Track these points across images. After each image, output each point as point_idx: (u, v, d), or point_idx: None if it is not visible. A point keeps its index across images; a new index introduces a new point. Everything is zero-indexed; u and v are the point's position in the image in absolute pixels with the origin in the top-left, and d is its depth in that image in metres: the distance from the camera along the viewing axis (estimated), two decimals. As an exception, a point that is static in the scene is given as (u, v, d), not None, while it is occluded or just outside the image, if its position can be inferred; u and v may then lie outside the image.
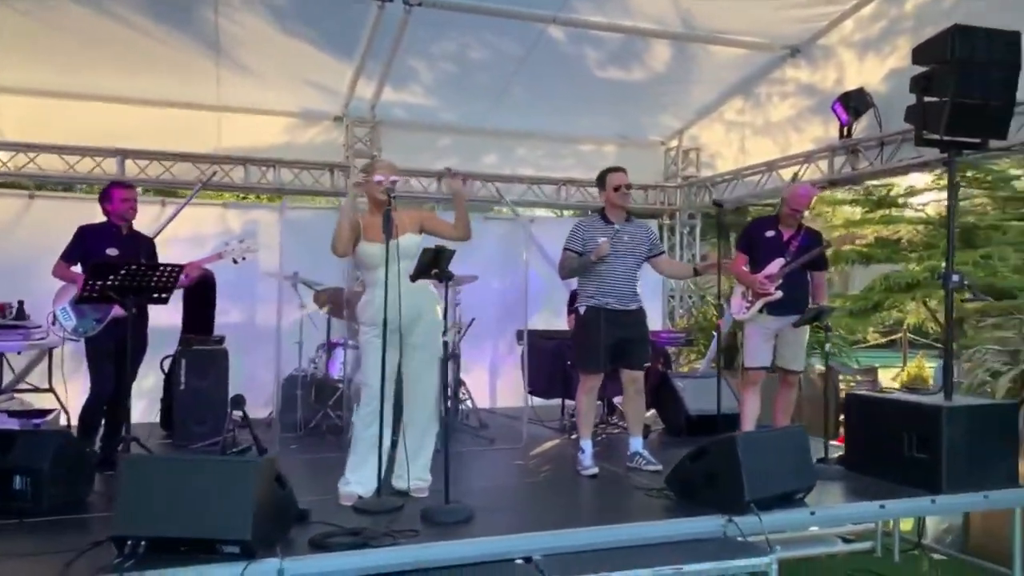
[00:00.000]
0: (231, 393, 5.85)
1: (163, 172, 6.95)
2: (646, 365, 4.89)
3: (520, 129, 8.14)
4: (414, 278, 3.86)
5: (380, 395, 3.90)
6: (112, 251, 4.60)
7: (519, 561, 3.33)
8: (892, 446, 4.44)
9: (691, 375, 6.43)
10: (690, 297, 8.72)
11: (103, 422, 4.71)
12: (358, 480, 3.99)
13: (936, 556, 5.21)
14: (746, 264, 5.23)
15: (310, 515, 3.60)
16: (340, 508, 3.87)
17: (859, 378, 7.89)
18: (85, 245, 4.61)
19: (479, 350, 7.72)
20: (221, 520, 3.04)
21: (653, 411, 6.41)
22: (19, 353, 5.45)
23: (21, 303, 5.40)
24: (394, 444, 4.15)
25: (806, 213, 5.25)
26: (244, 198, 9.75)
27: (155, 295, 4.33)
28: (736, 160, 7.88)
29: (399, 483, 4.10)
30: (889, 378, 11.14)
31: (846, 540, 5.40)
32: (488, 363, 7.85)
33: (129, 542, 3.04)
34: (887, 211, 10.48)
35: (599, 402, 5.77)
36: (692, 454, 4.00)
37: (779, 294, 5.05)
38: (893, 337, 13.45)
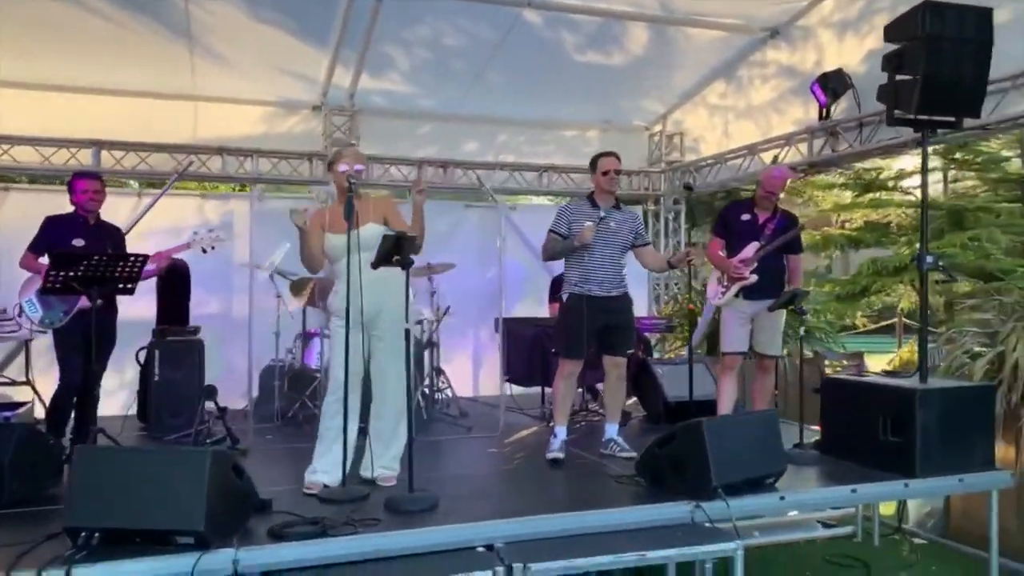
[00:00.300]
0: (206, 384, 5.85)
1: (139, 163, 6.88)
2: (629, 352, 4.84)
3: (500, 115, 8.06)
4: (375, 266, 3.81)
5: (344, 385, 3.86)
6: (78, 242, 4.56)
7: (480, 549, 3.29)
8: (867, 430, 4.39)
9: (671, 361, 6.38)
10: (676, 284, 8.67)
11: (73, 414, 4.67)
12: (324, 469, 3.95)
13: (917, 540, 5.19)
14: (722, 248, 5.18)
15: (271, 505, 3.56)
16: (306, 498, 3.84)
17: (845, 363, 7.83)
18: (51, 236, 4.57)
19: (462, 338, 7.69)
20: (175, 511, 3.00)
21: (634, 398, 6.39)
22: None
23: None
24: (362, 432, 4.11)
25: (782, 195, 5.20)
26: (215, 188, 9.71)
27: (120, 285, 4.29)
28: (720, 144, 7.82)
29: (366, 472, 4.06)
30: (884, 363, 11.11)
31: (826, 525, 5.40)
32: (471, 351, 7.82)
33: (83, 534, 3.01)
34: (876, 195, 10.41)
35: (579, 389, 5.73)
36: (660, 440, 3.96)
37: (754, 278, 5.01)
38: (889, 322, 13.40)
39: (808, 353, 7.71)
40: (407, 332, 3.76)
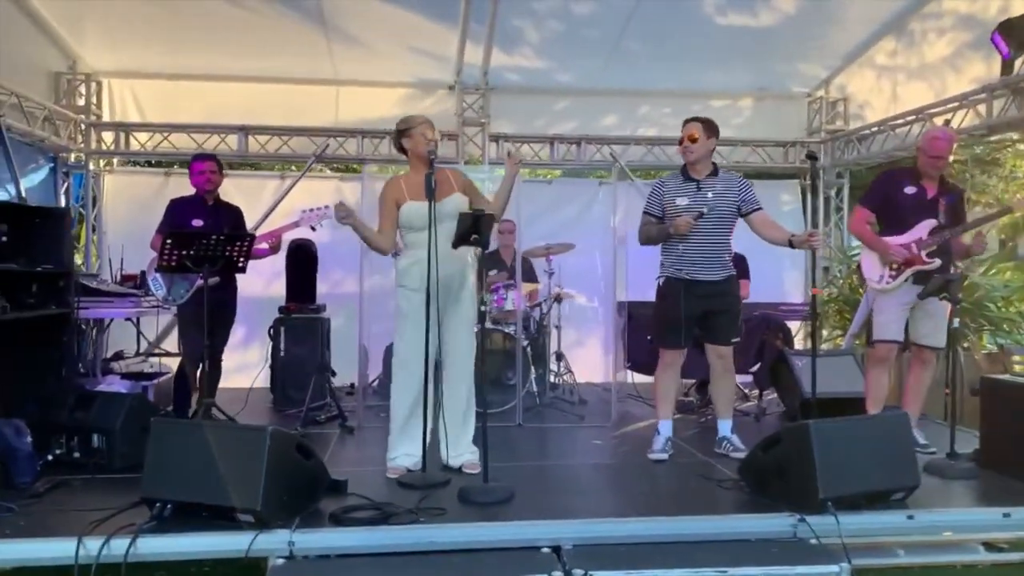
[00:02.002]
0: (332, 361, 6.02)
1: (281, 146, 7.19)
2: (735, 340, 4.37)
3: (641, 86, 7.66)
4: (455, 245, 3.65)
5: (424, 364, 3.75)
6: (198, 222, 4.78)
7: (546, 550, 3.06)
8: (1033, 442, 3.69)
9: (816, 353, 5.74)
10: (838, 266, 7.85)
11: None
12: (406, 453, 3.88)
13: (1108, 575, 4.33)
14: (869, 223, 4.52)
15: (347, 486, 3.53)
16: (389, 481, 3.79)
17: (1040, 360, 6.74)
18: (175, 217, 4.82)
19: (594, 322, 7.40)
20: (236, 488, 3.02)
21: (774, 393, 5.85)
22: (127, 319, 5.84)
23: (143, 273, 5.77)
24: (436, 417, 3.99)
25: (950, 160, 4.46)
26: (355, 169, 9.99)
27: (231, 264, 4.44)
28: (887, 110, 6.96)
29: (453, 460, 3.93)
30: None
31: (992, 548, 4.63)
32: (602, 336, 7.49)
33: (157, 504, 3.11)
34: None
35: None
36: (765, 442, 3.52)
37: (937, 262, 4.33)
38: None
39: (992, 348, 6.76)
40: (481, 314, 3.58)
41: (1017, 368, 6.61)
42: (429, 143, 3.82)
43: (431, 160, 3.77)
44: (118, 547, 2.89)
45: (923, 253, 4.34)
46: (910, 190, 4.45)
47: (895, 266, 4.45)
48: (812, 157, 4.04)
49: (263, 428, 3.11)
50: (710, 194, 4.24)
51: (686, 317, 4.19)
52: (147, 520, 3.05)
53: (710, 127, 4.29)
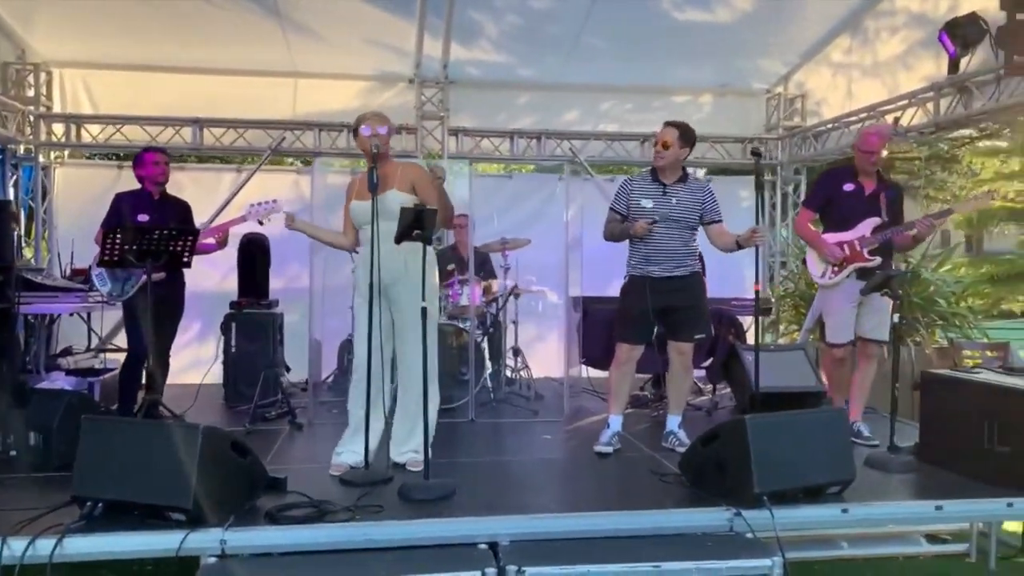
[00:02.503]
0: (286, 357, 5.97)
1: (237, 139, 7.11)
2: (698, 337, 4.39)
3: (603, 82, 7.65)
4: (398, 240, 3.62)
5: (367, 362, 3.72)
6: (143, 217, 4.70)
7: (483, 546, 3.05)
8: (970, 436, 3.75)
9: (766, 348, 5.80)
10: (795, 262, 7.92)
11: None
12: (350, 450, 3.85)
13: (1045, 564, 4.43)
14: (812, 222, 4.59)
15: (286, 484, 3.50)
16: (332, 478, 3.76)
17: (989, 354, 6.84)
18: (120, 212, 4.73)
19: (553, 318, 7.40)
20: (167, 487, 2.99)
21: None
22: (71, 315, 5.75)
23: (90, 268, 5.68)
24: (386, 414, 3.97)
25: (884, 154, 4.54)
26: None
27: (175, 259, 4.38)
28: (842, 106, 7.03)
29: (398, 457, 3.91)
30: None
31: (934, 540, 4.71)
32: (562, 331, 7.49)
33: (88, 503, 3.06)
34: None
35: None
36: (704, 437, 3.54)
37: (877, 260, 4.42)
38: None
39: (942, 342, 6.86)
40: (423, 310, 3.56)
41: (968, 363, 6.71)
42: (370, 140, 3.79)
43: (374, 155, 3.74)
44: (44, 547, 2.84)
45: (865, 251, 4.42)
46: (849, 187, 4.55)
47: (835, 263, 4.54)
48: (756, 154, 4.07)
49: (196, 426, 3.07)
50: (674, 200, 4.25)
51: (647, 312, 4.20)
52: (76, 520, 3.00)
53: (686, 136, 4.28)
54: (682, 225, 4.27)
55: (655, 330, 4.36)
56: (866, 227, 4.50)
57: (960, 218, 11.56)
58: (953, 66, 5.23)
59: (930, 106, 5.70)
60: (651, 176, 4.35)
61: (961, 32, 5.07)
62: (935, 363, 6.27)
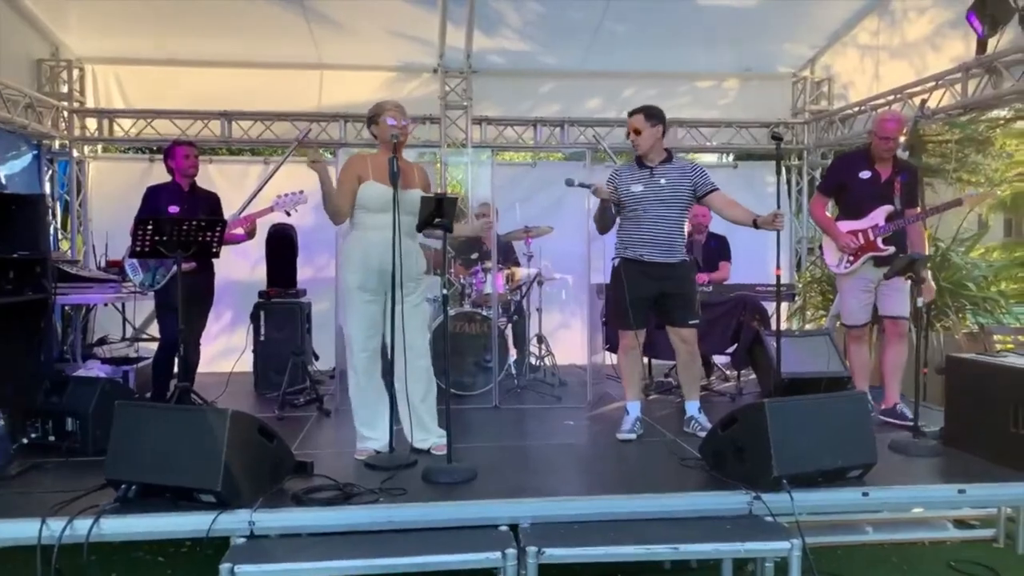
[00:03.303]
0: (315, 345, 6.07)
1: (264, 131, 7.21)
2: (692, 322, 4.39)
3: (627, 68, 7.63)
4: (420, 228, 3.68)
5: (391, 346, 3.79)
6: (174, 208, 4.80)
7: (504, 528, 3.11)
8: (996, 420, 3.71)
9: (790, 333, 5.78)
10: (819, 247, 7.83)
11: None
12: (374, 436, 3.93)
13: (1075, 550, 4.37)
14: (827, 208, 4.57)
15: (312, 467, 3.59)
16: (357, 463, 3.84)
17: (1021, 339, 6.73)
18: (151, 204, 4.84)
19: (578, 305, 7.42)
20: (197, 469, 3.07)
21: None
22: (106, 305, 5.89)
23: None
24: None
25: (901, 140, 4.51)
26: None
27: (204, 249, 4.47)
28: (870, 89, 6.94)
29: (421, 443, 3.98)
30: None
31: (961, 525, 4.68)
32: (587, 318, 7.52)
33: (122, 486, 3.17)
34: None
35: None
36: (723, 421, 3.55)
37: (891, 250, 4.40)
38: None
39: (973, 327, 6.76)
40: (444, 297, 3.62)
41: (998, 348, 6.63)
42: (392, 129, 3.83)
43: (395, 144, 3.79)
44: (81, 527, 2.95)
45: (879, 240, 4.40)
46: (864, 175, 4.53)
47: (850, 252, 4.56)
48: (777, 138, 4.05)
49: (224, 411, 3.15)
50: (663, 180, 4.26)
51: (639, 298, 4.24)
52: (110, 501, 3.11)
53: (652, 115, 4.27)
54: (675, 205, 4.27)
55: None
56: (879, 215, 4.49)
57: (995, 201, 11.32)
58: (981, 46, 5.15)
59: (958, 87, 5.61)
60: (636, 163, 4.36)
61: (989, 12, 4.99)
62: (965, 348, 6.19)
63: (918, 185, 4.48)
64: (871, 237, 4.48)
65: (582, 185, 4.27)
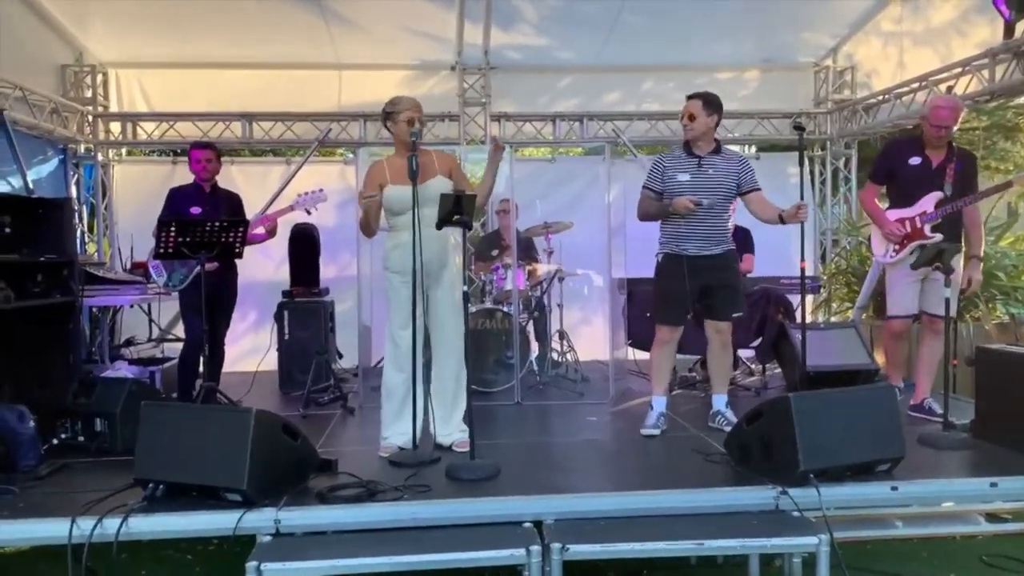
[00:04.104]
0: (339, 344, 6.11)
1: (285, 132, 7.26)
2: (735, 315, 4.35)
3: (645, 62, 7.59)
4: (439, 226, 3.67)
5: (412, 345, 3.79)
6: (196, 209, 4.85)
7: (527, 525, 3.11)
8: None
9: (815, 326, 5.71)
10: (847, 239, 7.75)
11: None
12: (398, 432, 3.94)
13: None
14: (878, 196, 4.49)
15: (336, 465, 3.60)
16: (381, 460, 3.85)
17: (1055, 330, 6.60)
18: (174, 206, 4.90)
19: (600, 301, 7.40)
20: (223, 468, 3.10)
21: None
22: (132, 307, 5.97)
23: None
24: (428, 394, 4.03)
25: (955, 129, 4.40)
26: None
27: (228, 250, 4.51)
28: (894, 77, 6.83)
29: (444, 439, 3.99)
30: None
31: (993, 519, 4.60)
32: (608, 314, 7.49)
33: (150, 485, 3.21)
34: None
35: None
36: (748, 415, 3.52)
37: (939, 237, 4.31)
38: None
39: (1003, 317, 6.65)
40: (465, 294, 3.61)
41: (1028, 339, 6.51)
42: (411, 129, 3.84)
43: (413, 143, 3.79)
44: (110, 526, 2.98)
45: (926, 227, 4.31)
46: (915, 161, 4.42)
47: (896, 242, 4.45)
48: (799, 128, 4.00)
49: (248, 410, 3.18)
50: (711, 171, 4.21)
51: (682, 294, 4.17)
52: (138, 500, 3.14)
53: (710, 103, 4.21)
54: (719, 197, 4.22)
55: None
56: (928, 202, 4.38)
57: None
58: (1008, 31, 5.05)
59: (985, 73, 5.50)
60: (684, 151, 4.30)
61: (1017, -6, 4.89)
62: (995, 339, 6.09)
63: (976, 173, 4.35)
64: (918, 224, 4.37)
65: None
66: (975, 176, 4.50)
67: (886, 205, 4.74)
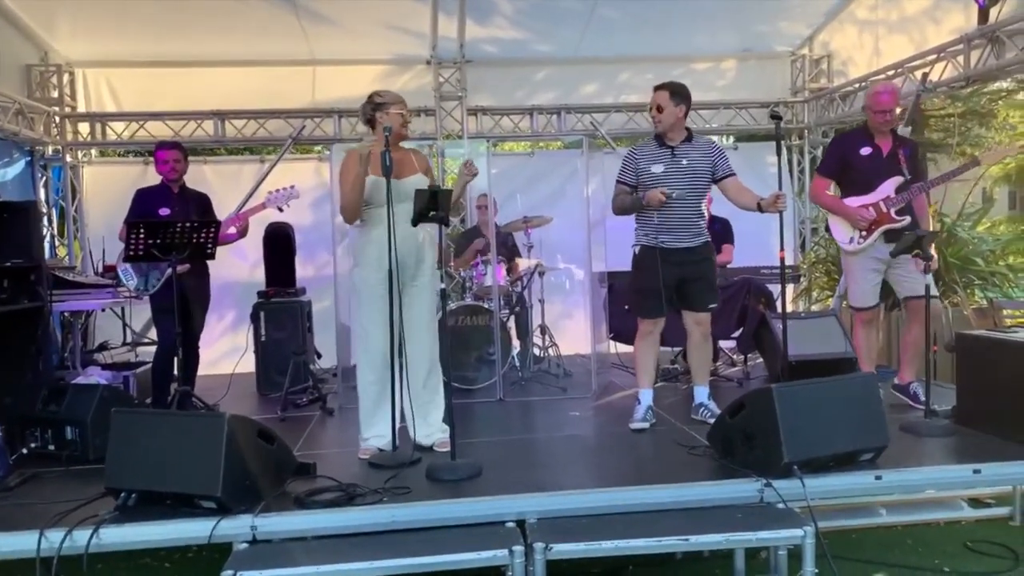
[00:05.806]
0: (314, 344, 6.02)
1: (258, 130, 7.15)
2: (711, 306, 4.33)
3: (621, 53, 7.55)
4: (415, 222, 3.60)
5: (388, 343, 3.72)
6: (164, 211, 4.74)
7: (510, 524, 3.06)
8: (1009, 397, 3.65)
9: (796, 315, 5.71)
10: (826, 227, 7.75)
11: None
12: (377, 434, 3.87)
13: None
14: (829, 189, 4.48)
15: (315, 469, 3.53)
16: (361, 461, 3.79)
17: (1031, 313, 6.65)
18: (141, 207, 4.78)
19: (581, 295, 7.36)
20: (197, 475, 3.02)
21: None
22: (104, 311, 5.85)
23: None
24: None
25: (897, 111, 4.42)
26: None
27: (198, 251, 4.41)
28: (869, 64, 6.85)
29: (424, 439, 3.92)
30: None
31: (976, 504, 4.61)
32: (589, 308, 7.46)
33: (122, 494, 3.12)
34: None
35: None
36: (731, 408, 3.49)
37: (907, 220, 4.30)
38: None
39: (981, 302, 6.68)
40: (442, 291, 3.55)
41: (1008, 322, 6.55)
42: (396, 119, 3.78)
43: (387, 138, 3.71)
44: (80, 538, 2.89)
45: (892, 211, 4.31)
46: (866, 151, 4.44)
47: (864, 227, 4.45)
48: (776, 117, 3.97)
49: (221, 415, 3.10)
50: (684, 160, 4.17)
51: (660, 286, 4.13)
52: (110, 510, 3.06)
53: (677, 93, 4.16)
54: (696, 186, 4.19)
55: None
56: (889, 187, 4.39)
57: (999, 174, 11.19)
58: (983, 16, 5.06)
59: (960, 59, 5.51)
60: (656, 142, 4.26)
61: (990, -21, 4.90)
62: (974, 324, 6.11)
63: (921, 158, 4.38)
64: (884, 209, 4.37)
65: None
66: (924, 159, 4.54)
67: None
